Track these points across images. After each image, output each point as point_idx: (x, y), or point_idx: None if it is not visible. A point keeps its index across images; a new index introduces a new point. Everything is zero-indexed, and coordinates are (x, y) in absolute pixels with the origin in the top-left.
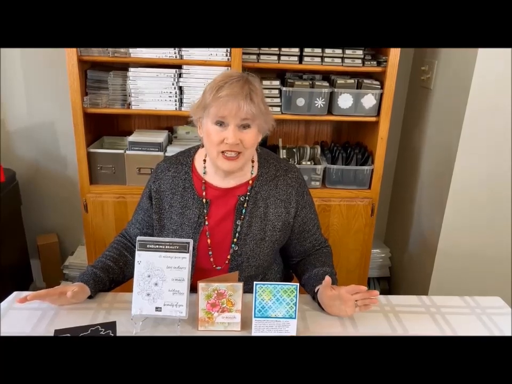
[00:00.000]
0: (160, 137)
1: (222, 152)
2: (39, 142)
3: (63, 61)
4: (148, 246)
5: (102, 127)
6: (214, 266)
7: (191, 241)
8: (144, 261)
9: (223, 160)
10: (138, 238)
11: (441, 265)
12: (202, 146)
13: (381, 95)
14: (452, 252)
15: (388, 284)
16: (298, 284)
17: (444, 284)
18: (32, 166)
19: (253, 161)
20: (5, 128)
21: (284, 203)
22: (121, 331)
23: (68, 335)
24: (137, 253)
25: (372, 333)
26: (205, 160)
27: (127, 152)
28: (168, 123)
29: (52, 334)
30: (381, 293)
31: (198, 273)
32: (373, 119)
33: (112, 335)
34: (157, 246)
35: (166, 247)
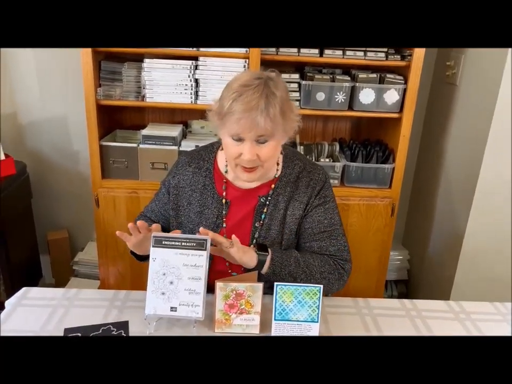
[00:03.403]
0: (174, 131)
1: (240, 165)
2: (51, 136)
3: (77, 52)
4: (163, 242)
5: (115, 120)
6: (230, 271)
7: (208, 238)
8: (159, 258)
9: (242, 172)
10: (154, 234)
11: (464, 269)
12: None
13: (404, 90)
14: (477, 255)
15: (406, 287)
16: (321, 286)
17: (467, 289)
18: (44, 160)
19: (278, 163)
20: (17, 121)
21: (302, 205)
22: (133, 331)
23: (78, 334)
24: (152, 249)
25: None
26: (227, 159)
27: (141, 146)
28: (183, 117)
29: (61, 333)
30: (399, 297)
31: (212, 276)
32: (395, 115)
33: (125, 335)
34: (173, 243)
35: (183, 244)
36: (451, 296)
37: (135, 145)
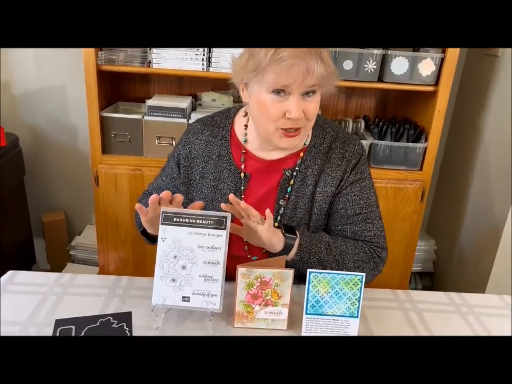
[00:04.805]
0: (183, 102)
1: (282, 128)
2: (47, 108)
3: None
4: (174, 219)
5: (118, 91)
6: (249, 256)
7: (229, 215)
8: (169, 238)
9: (282, 137)
10: (163, 209)
11: (502, 262)
12: (245, 113)
13: (442, 60)
14: None
15: (431, 280)
16: (364, 274)
17: (504, 284)
18: (39, 134)
19: None
20: (10, 91)
21: (335, 181)
22: (137, 325)
23: (72, 327)
24: (161, 227)
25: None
26: (246, 126)
27: (145, 118)
28: (192, 89)
29: (52, 324)
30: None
31: (229, 261)
32: (430, 88)
33: (127, 329)
34: (186, 220)
35: (198, 221)
36: (486, 291)
37: (139, 116)
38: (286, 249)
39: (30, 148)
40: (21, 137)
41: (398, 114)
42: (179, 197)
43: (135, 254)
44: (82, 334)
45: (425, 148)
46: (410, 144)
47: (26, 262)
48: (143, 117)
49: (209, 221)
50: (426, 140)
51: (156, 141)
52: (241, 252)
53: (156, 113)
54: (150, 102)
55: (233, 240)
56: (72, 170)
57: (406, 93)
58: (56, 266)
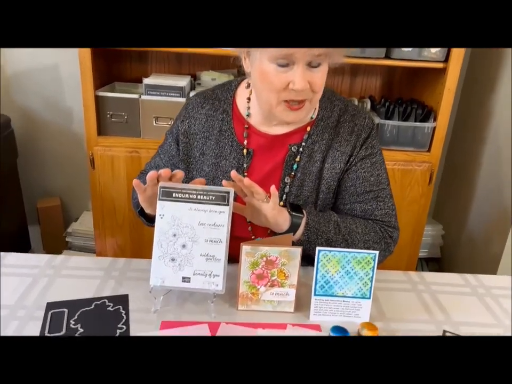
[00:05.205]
0: (182, 80)
1: (285, 100)
2: (41, 89)
3: None
4: (173, 194)
5: (114, 71)
6: (253, 237)
7: (232, 189)
8: (168, 215)
9: (286, 110)
10: (161, 184)
11: None
12: (248, 85)
13: None
14: None
15: (438, 266)
16: (377, 252)
17: None
18: (32, 116)
19: None
20: (2, 71)
21: (344, 156)
22: (135, 308)
23: (64, 309)
24: (159, 203)
25: (467, 319)
26: (249, 99)
27: (143, 97)
28: (191, 69)
29: (43, 307)
30: None
31: (231, 243)
32: (440, 65)
33: (123, 311)
34: (186, 196)
35: (199, 197)
36: (497, 275)
37: (136, 96)
38: (292, 229)
39: (23, 129)
40: (13, 119)
41: (404, 95)
42: (179, 173)
43: (133, 240)
44: (76, 317)
45: (434, 128)
46: (418, 124)
47: (21, 250)
48: (140, 96)
49: (210, 197)
50: (435, 120)
51: (154, 121)
52: (244, 233)
53: (154, 92)
54: (147, 81)
55: (235, 220)
56: (67, 154)
57: (413, 71)
58: (52, 253)
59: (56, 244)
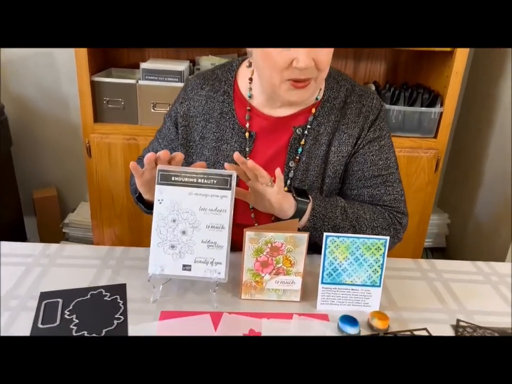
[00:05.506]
0: (180, 65)
1: (289, 79)
2: (36, 75)
3: None
4: (172, 178)
5: (110, 57)
6: (256, 224)
7: (234, 173)
8: (167, 200)
9: (290, 90)
10: (159, 167)
11: None
12: (250, 64)
13: None
14: None
15: (443, 256)
16: (388, 238)
17: None
18: (27, 103)
19: None
20: None
21: (351, 139)
22: (133, 298)
23: (59, 300)
24: (157, 187)
25: (482, 308)
26: (251, 79)
27: (140, 82)
28: (189, 55)
29: (37, 297)
30: None
31: (233, 230)
32: (447, 48)
33: (121, 301)
34: (186, 179)
35: (199, 180)
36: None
37: (133, 81)
38: (298, 215)
39: (17, 117)
40: (7, 106)
41: (409, 79)
42: (179, 155)
43: (132, 230)
44: (70, 307)
45: (441, 114)
46: (424, 109)
47: (16, 241)
48: (138, 82)
49: (212, 180)
50: (441, 105)
51: (152, 107)
52: (247, 220)
53: (151, 77)
54: (144, 65)
55: (238, 206)
56: (64, 143)
57: (419, 55)
58: None
59: (52, 235)
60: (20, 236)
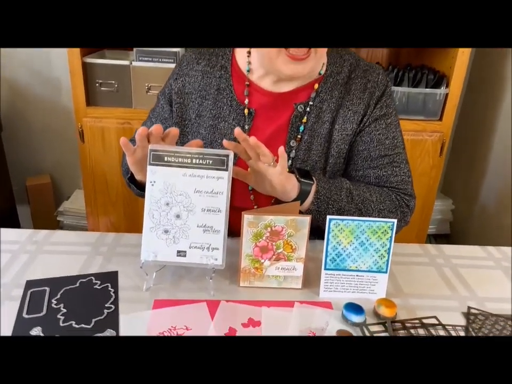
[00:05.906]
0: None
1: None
2: (27, 59)
3: None
4: (165, 158)
5: None
6: (256, 207)
7: (231, 153)
8: (160, 182)
9: (287, 62)
10: (151, 146)
11: None
12: None
13: None
14: None
15: (447, 242)
16: (395, 220)
17: None
18: (18, 87)
19: None
20: None
21: (356, 116)
22: (124, 286)
23: (46, 288)
24: (149, 168)
25: (493, 294)
26: (249, 52)
27: (134, 63)
28: None
29: (22, 286)
30: None
31: (231, 214)
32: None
33: (112, 290)
34: (180, 160)
35: (194, 161)
36: None
37: (127, 62)
38: (301, 197)
39: (8, 101)
40: None
41: (413, 61)
42: (173, 131)
43: (128, 217)
44: (58, 296)
45: (446, 95)
46: (429, 90)
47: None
48: (131, 63)
49: (207, 160)
50: (447, 86)
51: (146, 89)
52: (245, 203)
53: (146, 58)
54: None
55: (236, 188)
56: (57, 128)
57: None
58: None
59: (47, 223)
60: (13, 225)
